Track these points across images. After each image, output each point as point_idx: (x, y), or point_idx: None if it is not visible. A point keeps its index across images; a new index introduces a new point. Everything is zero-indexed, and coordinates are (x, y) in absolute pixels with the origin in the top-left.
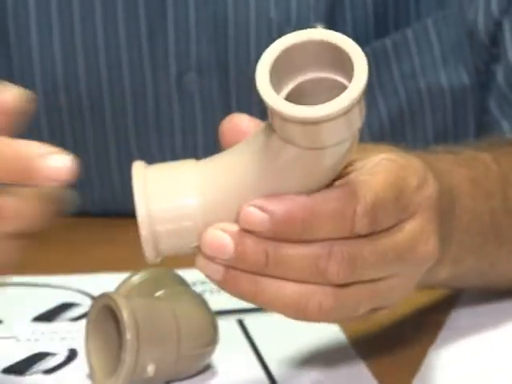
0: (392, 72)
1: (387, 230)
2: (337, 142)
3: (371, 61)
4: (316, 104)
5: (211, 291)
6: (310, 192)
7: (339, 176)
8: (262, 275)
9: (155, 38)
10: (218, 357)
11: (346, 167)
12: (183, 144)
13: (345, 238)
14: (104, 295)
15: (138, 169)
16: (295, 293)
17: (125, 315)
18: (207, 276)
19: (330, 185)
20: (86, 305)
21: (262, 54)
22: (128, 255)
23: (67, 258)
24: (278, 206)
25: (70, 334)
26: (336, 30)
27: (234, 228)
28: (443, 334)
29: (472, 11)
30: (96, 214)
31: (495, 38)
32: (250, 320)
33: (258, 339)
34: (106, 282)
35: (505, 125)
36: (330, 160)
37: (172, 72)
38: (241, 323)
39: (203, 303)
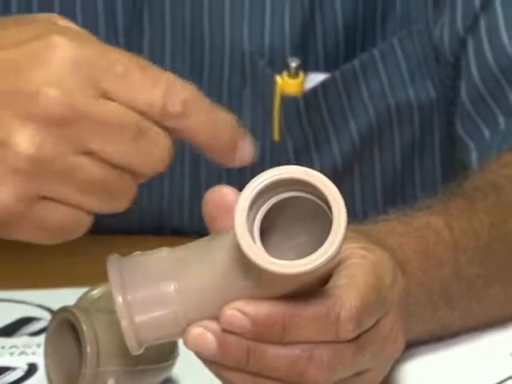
0: (361, 92)
1: (366, 330)
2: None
3: (340, 83)
4: (289, 221)
5: None
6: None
7: None
8: (240, 371)
9: None
10: (178, 370)
11: None
12: None
13: (327, 342)
14: (63, 309)
15: (114, 261)
16: None
17: (84, 329)
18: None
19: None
20: (45, 319)
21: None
22: (87, 269)
23: (26, 273)
24: (259, 311)
25: (29, 348)
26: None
27: (216, 326)
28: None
29: (438, 28)
30: None
31: (460, 55)
32: None
33: None
34: (65, 297)
35: (471, 146)
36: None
37: None
38: None
39: None
